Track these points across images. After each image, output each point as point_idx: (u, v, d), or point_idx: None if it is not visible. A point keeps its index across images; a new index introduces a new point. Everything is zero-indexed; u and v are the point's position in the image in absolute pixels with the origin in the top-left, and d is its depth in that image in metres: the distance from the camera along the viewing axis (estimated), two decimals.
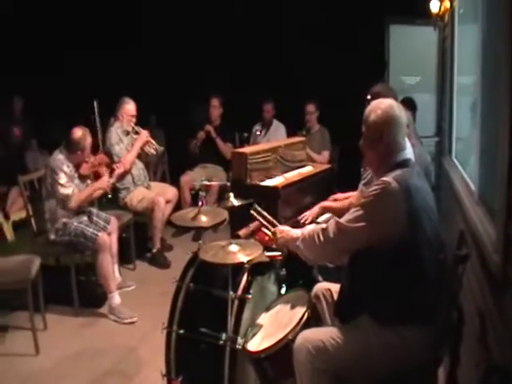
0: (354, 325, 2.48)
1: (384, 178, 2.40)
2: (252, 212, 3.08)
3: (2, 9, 6.99)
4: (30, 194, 5.02)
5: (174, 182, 6.86)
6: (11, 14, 7.41)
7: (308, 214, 3.95)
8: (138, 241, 5.82)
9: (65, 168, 4.62)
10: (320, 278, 4.21)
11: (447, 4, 5.27)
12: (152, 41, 8.05)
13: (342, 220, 2.47)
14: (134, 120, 5.83)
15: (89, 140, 4.77)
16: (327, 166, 5.20)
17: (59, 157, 4.65)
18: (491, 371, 1.96)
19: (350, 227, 2.42)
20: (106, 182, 4.93)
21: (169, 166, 8.33)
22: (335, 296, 2.82)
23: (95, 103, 5.01)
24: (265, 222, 3.06)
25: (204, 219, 3.32)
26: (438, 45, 6.77)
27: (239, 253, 2.88)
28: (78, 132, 4.67)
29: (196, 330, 2.97)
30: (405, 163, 2.50)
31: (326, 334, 2.51)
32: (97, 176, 4.98)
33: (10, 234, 6.71)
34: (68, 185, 4.62)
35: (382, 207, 2.36)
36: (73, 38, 7.91)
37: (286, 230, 2.87)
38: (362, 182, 3.75)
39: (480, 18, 3.33)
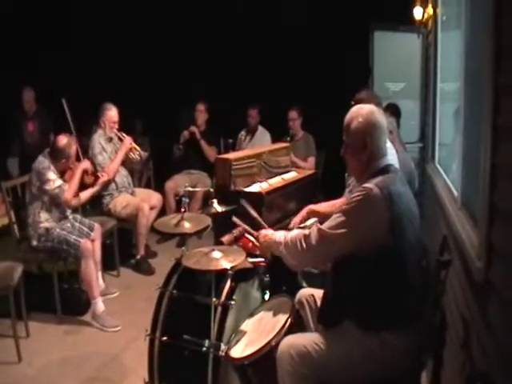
0: (337, 330, 2.48)
1: (366, 185, 2.40)
2: (234, 219, 3.08)
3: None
4: (12, 201, 4.97)
5: (159, 188, 6.83)
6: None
7: (296, 219, 3.94)
8: (121, 247, 5.78)
9: (52, 169, 4.61)
10: (304, 284, 4.21)
11: (430, 11, 5.32)
12: (138, 46, 8.04)
13: (324, 226, 2.47)
14: (116, 126, 5.78)
15: (74, 148, 4.76)
16: (311, 172, 5.21)
17: (45, 160, 4.63)
18: (474, 377, 1.96)
19: (332, 234, 2.41)
20: (87, 162, 5.02)
21: (154, 172, 8.30)
22: (319, 302, 2.81)
23: (63, 101, 4.94)
24: (248, 228, 3.06)
25: (187, 225, 3.32)
26: (421, 51, 6.82)
27: (222, 259, 2.87)
28: (63, 140, 4.65)
29: (179, 336, 2.95)
30: (387, 169, 2.51)
31: (309, 339, 2.50)
32: (81, 183, 4.93)
33: None
34: (57, 179, 4.61)
35: (363, 214, 2.36)
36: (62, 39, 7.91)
37: (269, 234, 2.86)
38: (347, 189, 3.76)
39: (463, 24, 3.36)
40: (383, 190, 2.36)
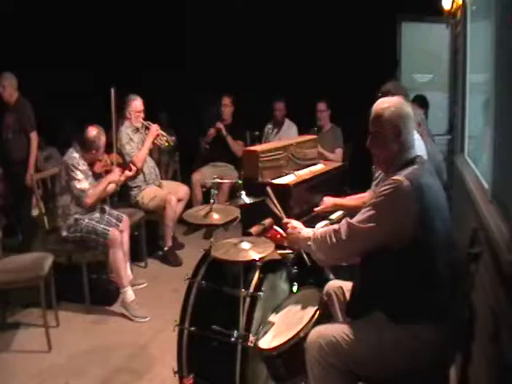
0: (366, 321, 2.48)
1: (395, 177, 2.37)
2: (267, 195, 3.08)
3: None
4: (42, 192, 5.05)
5: (185, 180, 6.87)
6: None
7: (321, 207, 3.94)
8: (149, 239, 5.84)
9: (80, 166, 4.67)
10: (331, 277, 4.20)
11: (459, 1, 5.24)
12: (162, 37, 8.08)
13: (353, 220, 2.46)
14: (142, 115, 5.86)
15: (103, 139, 4.81)
16: (339, 164, 5.19)
17: (74, 155, 4.69)
18: (504, 370, 1.95)
19: (362, 228, 2.40)
20: (117, 175, 4.99)
21: (180, 165, 8.34)
22: (347, 294, 2.82)
23: (112, 90, 4.97)
24: (277, 209, 3.05)
25: (216, 217, 3.32)
26: (450, 42, 6.74)
27: (251, 250, 2.88)
28: (93, 131, 4.71)
29: (208, 327, 2.97)
30: (416, 160, 2.49)
31: (339, 329, 2.50)
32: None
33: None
34: (84, 180, 4.67)
35: (393, 207, 2.34)
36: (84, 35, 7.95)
37: (298, 228, 2.85)
38: (375, 182, 3.74)
39: (493, 14, 3.31)
40: (413, 181, 2.34)
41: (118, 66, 7.81)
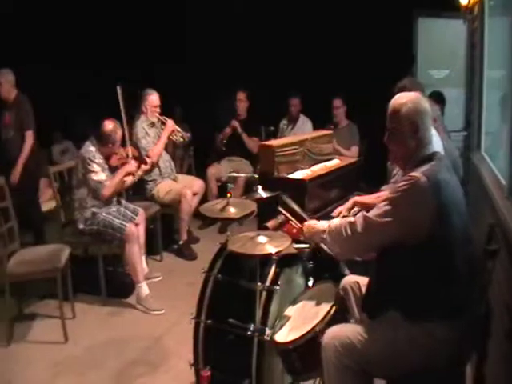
0: (381, 320, 2.48)
1: (413, 173, 2.36)
2: (280, 208, 3.10)
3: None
4: (59, 185, 5.09)
5: (200, 174, 6.88)
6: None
7: (341, 209, 3.92)
8: (164, 232, 5.87)
9: (96, 159, 4.71)
10: (347, 272, 4.21)
11: None
12: (174, 33, 8.10)
13: (370, 214, 2.45)
14: (158, 110, 5.89)
15: (119, 133, 4.85)
16: (354, 160, 5.17)
17: (91, 148, 4.73)
18: None
19: (378, 222, 2.40)
20: (133, 166, 5.02)
21: (195, 159, 8.37)
22: (363, 289, 2.82)
23: (118, 89, 5.00)
24: (292, 218, 3.07)
25: (232, 210, 3.32)
26: (466, 38, 6.70)
27: (267, 244, 2.88)
28: (109, 125, 4.74)
29: (224, 320, 2.98)
30: (433, 157, 2.47)
31: (354, 330, 2.50)
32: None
33: None
34: (100, 172, 4.72)
35: (410, 204, 2.33)
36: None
37: (312, 224, 2.86)
38: (392, 180, 3.74)
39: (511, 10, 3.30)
40: (430, 178, 2.33)
41: (130, 61, 7.87)
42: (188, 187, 5.87)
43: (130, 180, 5.09)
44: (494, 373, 2.61)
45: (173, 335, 4.18)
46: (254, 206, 3.45)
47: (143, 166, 5.30)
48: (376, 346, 2.41)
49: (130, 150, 5.09)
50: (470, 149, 5.76)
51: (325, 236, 2.67)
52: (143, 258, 5.08)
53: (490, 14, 4.94)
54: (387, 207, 2.39)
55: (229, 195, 3.43)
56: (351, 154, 6.34)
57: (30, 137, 5.59)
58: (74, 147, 8.18)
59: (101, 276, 4.75)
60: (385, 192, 3.77)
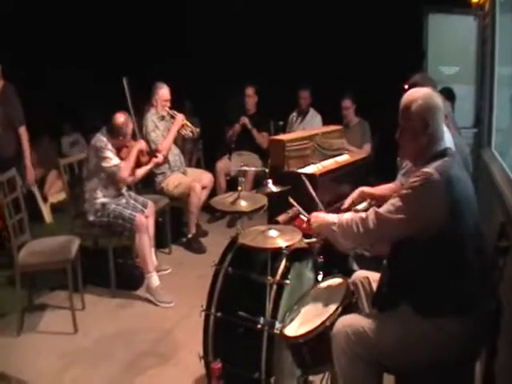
0: (392, 315, 2.48)
1: (425, 169, 2.36)
2: (290, 199, 3.11)
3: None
4: (69, 177, 5.11)
5: (209, 168, 6.89)
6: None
7: (348, 200, 3.92)
8: (173, 226, 5.88)
9: (109, 147, 4.73)
10: (356, 267, 4.22)
11: None
12: (183, 27, 8.12)
13: (382, 210, 2.45)
14: (168, 104, 5.90)
15: (130, 126, 4.86)
16: (364, 155, 5.20)
17: (102, 138, 4.74)
18: None
19: (390, 218, 2.40)
20: (143, 143, 5.09)
21: (204, 153, 8.39)
22: (373, 285, 2.83)
23: (124, 80, 5.00)
24: (302, 210, 3.08)
25: (243, 204, 3.35)
26: (477, 34, 6.68)
27: (278, 238, 2.90)
28: (121, 118, 4.75)
29: (234, 313, 2.99)
30: (445, 153, 2.47)
31: (366, 320, 2.51)
32: (136, 162, 5.02)
33: (48, 217, 6.84)
34: (115, 157, 4.74)
35: (423, 200, 2.33)
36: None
37: (320, 216, 2.85)
38: (401, 171, 3.73)
39: None
40: (443, 174, 2.33)
41: (140, 56, 7.91)
42: (197, 181, 5.88)
43: (141, 172, 5.09)
44: (504, 370, 2.61)
45: (182, 328, 4.20)
46: (264, 200, 3.47)
47: (154, 159, 5.31)
48: (388, 338, 2.42)
49: (143, 144, 5.12)
50: (480, 146, 5.76)
51: (335, 228, 2.65)
52: (153, 250, 5.09)
53: (501, 11, 4.93)
54: (399, 203, 2.39)
55: (240, 188, 3.45)
56: (365, 153, 6.32)
57: (24, 133, 5.39)
58: (83, 139, 8.22)
59: (111, 268, 4.76)
60: (393, 183, 3.79)
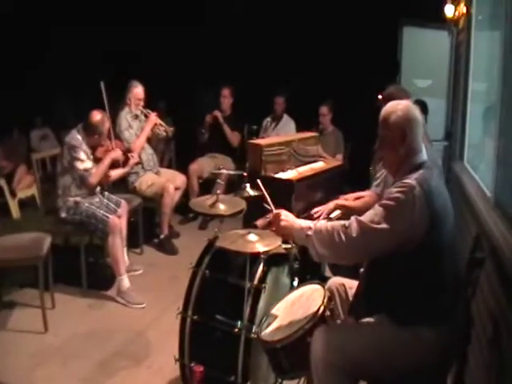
0: (369, 322, 2.51)
1: (407, 181, 2.38)
2: (259, 182, 3.03)
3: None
4: (41, 173, 5.05)
5: (180, 169, 6.86)
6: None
7: (322, 209, 3.95)
8: (145, 226, 5.84)
9: (83, 147, 4.67)
10: (328, 273, 4.26)
11: (463, 9, 5.30)
12: (156, 27, 8.12)
13: (365, 219, 2.41)
14: (141, 103, 5.86)
15: (107, 125, 4.81)
16: (339, 163, 5.25)
17: (77, 136, 4.68)
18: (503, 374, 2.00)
19: (373, 228, 2.37)
20: (119, 153, 5.01)
21: (175, 153, 8.36)
22: (349, 292, 2.85)
23: (102, 84, 4.98)
24: (269, 199, 2.92)
25: (222, 207, 3.36)
26: (450, 49, 6.82)
27: (258, 242, 2.92)
28: (97, 116, 4.70)
29: (211, 316, 3.01)
30: (425, 165, 2.50)
31: (343, 328, 2.55)
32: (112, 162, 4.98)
33: (15, 212, 6.74)
34: (87, 160, 4.68)
35: (406, 210, 2.34)
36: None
37: (291, 215, 2.73)
38: (375, 182, 3.79)
39: (503, 25, 3.36)
40: (424, 185, 2.36)
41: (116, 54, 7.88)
42: (170, 181, 5.86)
43: (116, 174, 5.06)
44: (474, 381, 2.67)
45: (154, 329, 4.17)
46: (243, 204, 3.48)
47: (130, 162, 5.28)
48: (364, 346, 2.44)
49: (116, 142, 5.08)
50: (450, 159, 5.87)
51: (310, 233, 2.53)
52: (125, 250, 5.06)
53: (477, 28, 5.03)
54: (383, 213, 2.38)
55: (218, 192, 3.46)
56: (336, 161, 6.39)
57: None
58: (52, 134, 8.12)
59: (82, 267, 4.71)
60: (366, 193, 3.85)
